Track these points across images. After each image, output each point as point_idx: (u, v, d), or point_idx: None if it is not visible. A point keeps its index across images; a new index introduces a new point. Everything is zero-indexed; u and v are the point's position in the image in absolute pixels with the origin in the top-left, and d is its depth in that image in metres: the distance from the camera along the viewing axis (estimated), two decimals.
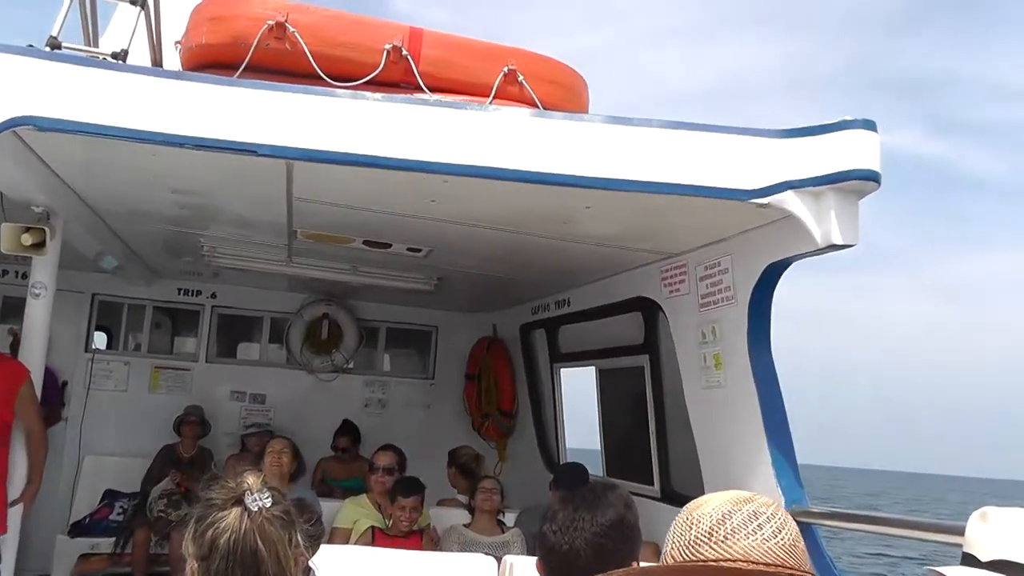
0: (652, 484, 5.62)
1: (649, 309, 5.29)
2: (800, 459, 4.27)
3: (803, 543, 1.38)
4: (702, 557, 1.34)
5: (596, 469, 6.55)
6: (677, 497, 5.27)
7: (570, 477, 5.16)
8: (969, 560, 2.40)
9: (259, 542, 1.82)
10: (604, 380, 6.56)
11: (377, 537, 5.13)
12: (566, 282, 6.22)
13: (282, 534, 1.85)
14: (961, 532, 2.17)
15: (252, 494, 1.85)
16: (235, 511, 1.84)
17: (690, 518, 1.40)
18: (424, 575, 4.18)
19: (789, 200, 3.65)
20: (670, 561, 1.38)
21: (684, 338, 4.78)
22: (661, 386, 5.49)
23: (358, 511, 5.41)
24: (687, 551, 1.36)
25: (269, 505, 1.85)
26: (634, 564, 2.30)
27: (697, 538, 1.36)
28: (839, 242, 3.67)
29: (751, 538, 1.34)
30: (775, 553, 1.34)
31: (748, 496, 1.41)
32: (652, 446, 5.63)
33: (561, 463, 6.97)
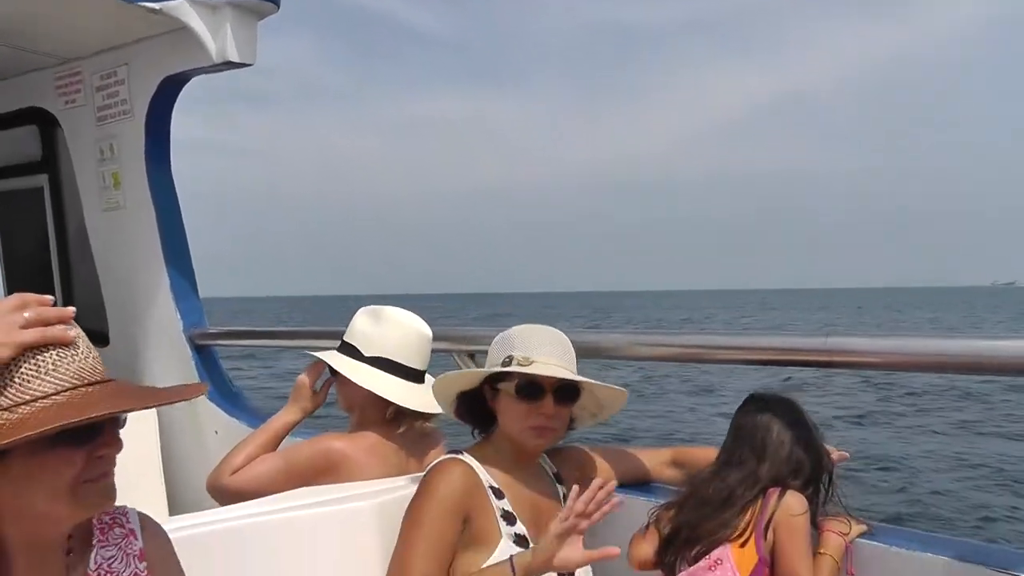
0: None
1: (46, 122, 4.74)
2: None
3: None
4: None
5: None
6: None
7: None
8: (350, 350, 2.52)
9: None
10: (2, 205, 5.82)
11: None
12: None
13: None
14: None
15: None
16: None
17: None
18: None
19: (183, 9, 3.49)
20: None
21: (83, 155, 4.40)
22: (63, 210, 5.03)
23: None
24: None
25: None
26: None
27: None
28: (236, 59, 3.63)
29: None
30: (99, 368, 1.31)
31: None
32: (55, 278, 5.18)
33: None
